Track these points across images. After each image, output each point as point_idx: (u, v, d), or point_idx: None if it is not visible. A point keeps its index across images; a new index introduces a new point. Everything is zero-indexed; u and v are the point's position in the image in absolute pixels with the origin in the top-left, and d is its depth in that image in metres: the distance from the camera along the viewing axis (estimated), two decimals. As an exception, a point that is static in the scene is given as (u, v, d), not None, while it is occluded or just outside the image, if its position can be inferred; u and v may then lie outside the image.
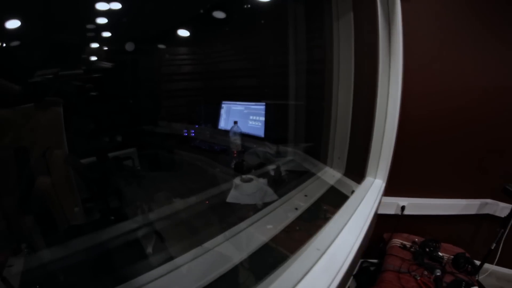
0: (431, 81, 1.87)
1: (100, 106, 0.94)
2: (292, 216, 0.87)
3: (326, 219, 0.90)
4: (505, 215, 1.93)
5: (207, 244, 0.68)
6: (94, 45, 0.98)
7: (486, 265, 2.29)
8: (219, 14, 1.12)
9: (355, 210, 0.90)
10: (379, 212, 1.88)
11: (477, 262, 2.15)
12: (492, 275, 2.40)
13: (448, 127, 2.01)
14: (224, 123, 1.27)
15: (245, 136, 1.18)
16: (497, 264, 2.31)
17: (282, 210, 0.89)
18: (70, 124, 0.79)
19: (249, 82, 1.33)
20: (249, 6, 1.23)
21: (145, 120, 1.15)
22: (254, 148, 1.08)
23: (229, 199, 0.89)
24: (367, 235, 0.89)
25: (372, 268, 1.81)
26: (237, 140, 1.04)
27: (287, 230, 0.84)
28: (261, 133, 1.21)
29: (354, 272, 2.02)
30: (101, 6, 0.92)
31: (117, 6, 0.93)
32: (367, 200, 1.05)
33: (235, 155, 1.08)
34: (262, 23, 1.26)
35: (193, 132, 1.32)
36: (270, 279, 0.59)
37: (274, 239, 0.76)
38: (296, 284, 0.55)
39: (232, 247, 0.71)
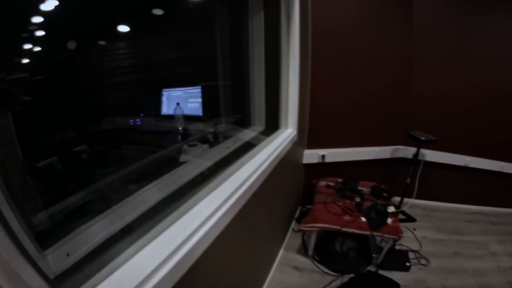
0: (339, 56, 2.30)
1: (43, 107, 1.00)
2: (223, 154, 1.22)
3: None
4: (413, 155, 2.45)
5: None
6: (29, 45, 0.99)
7: (409, 200, 2.83)
8: (157, 11, 1.32)
9: (267, 146, 1.34)
10: (305, 162, 2.33)
11: (398, 198, 2.68)
12: (416, 207, 2.95)
13: (356, 92, 2.51)
14: (166, 109, 1.42)
15: (186, 116, 1.40)
16: (416, 198, 2.87)
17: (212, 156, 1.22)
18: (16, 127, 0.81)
19: (186, 70, 1.52)
20: (183, 3, 1.46)
21: (91, 117, 1.22)
22: (196, 123, 1.33)
23: (181, 159, 1.15)
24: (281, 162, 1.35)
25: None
26: (181, 118, 1.28)
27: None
28: (199, 112, 1.45)
29: (296, 216, 2.42)
30: (36, 4, 0.98)
31: (53, 3, 1.00)
32: (279, 139, 1.49)
33: (180, 130, 1.32)
34: (194, 18, 1.50)
35: (139, 121, 1.45)
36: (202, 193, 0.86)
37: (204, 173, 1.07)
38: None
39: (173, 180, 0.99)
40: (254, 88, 1.63)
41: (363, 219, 1.84)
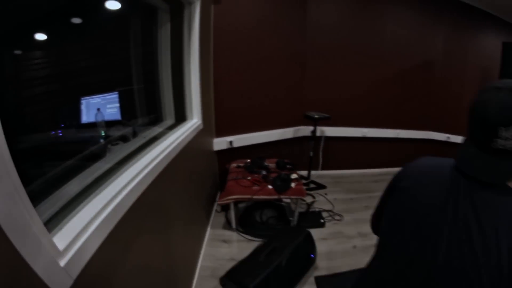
0: (243, 52, 2.66)
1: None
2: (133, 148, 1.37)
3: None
4: (311, 131, 2.99)
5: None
6: None
7: (316, 172, 3.39)
8: (75, 20, 1.37)
9: (171, 134, 1.58)
10: (216, 149, 2.68)
11: (305, 172, 3.22)
12: (325, 176, 3.51)
13: (257, 82, 2.88)
14: (86, 117, 1.45)
15: (107, 122, 1.48)
16: (323, 169, 3.46)
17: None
18: None
19: (103, 77, 1.59)
20: (100, 13, 1.51)
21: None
22: (116, 126, 1.51)
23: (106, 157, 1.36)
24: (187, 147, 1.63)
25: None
26: (102, 123, 1.45)
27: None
28: (118, 116, 1.57)
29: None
30: None
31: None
32: (182, 129, 1.73)
33: (103, 134, 1.48)
34: (110, 28, 1.59)
35: (61, 132, 1.41)
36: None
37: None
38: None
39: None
40: (164, 88, 1.87)
41: (270, 186, 2.25)
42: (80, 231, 0.63)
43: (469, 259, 0.67)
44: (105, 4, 1.45)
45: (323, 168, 3.63)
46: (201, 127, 2.04)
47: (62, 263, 0.55)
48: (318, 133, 3.28)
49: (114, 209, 0.77)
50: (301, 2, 2.96)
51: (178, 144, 1.47)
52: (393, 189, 0.91)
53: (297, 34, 2.99)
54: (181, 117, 1.99)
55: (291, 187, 2.29)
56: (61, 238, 0.59)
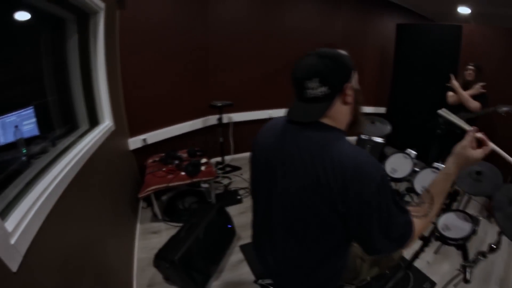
0: (151, 52, 2.80)
1: None
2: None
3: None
4: (217, 119, 3.36)
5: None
6: None
7: (230, 156, 3.79)
8: None
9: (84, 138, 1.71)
10: (132, 148, 2.81)
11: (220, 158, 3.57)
12: (239, 160, 3.92)
13: (165, 80, 3.05)
14: (3, 138, 1.37)
15: (26, 139, 1.42)
16: (235, 153, 3.89)
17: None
18: None
19: (16, 92, 1.54)
20: (7, 26, 1.45)
21: None
22: (36, 141, 1.49)
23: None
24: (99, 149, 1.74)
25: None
26: (22, 140, 1.39)
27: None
28: (36, 132, 1.55)
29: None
30: None
31: None
32: (94, 133, 1.86)
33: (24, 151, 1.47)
34: (19, 40, 1.56)
35: None
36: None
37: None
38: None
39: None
40: (76, 96, 1.94)
41: (183, 173, 2.54)
42: (20, 219, 0.84)
43: (297, 181, 0.84)
44: (12, 16, 1.44)
45: (236, 152, 4.00)
46: (113, 128, 2.16)
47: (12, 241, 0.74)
48: (226, 120, 3.59)
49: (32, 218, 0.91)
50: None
51: (89, 149, 1.58)
52: (252, 153, 1.07)
53: (200, 29, 3.20)
54: (94, 121, 2.08)
55: (201, 170, 2.61)
56: (10, 223, 0.80)
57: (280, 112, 3.77)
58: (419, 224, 0.91)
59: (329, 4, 4.05)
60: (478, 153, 0.96)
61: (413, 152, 2.13)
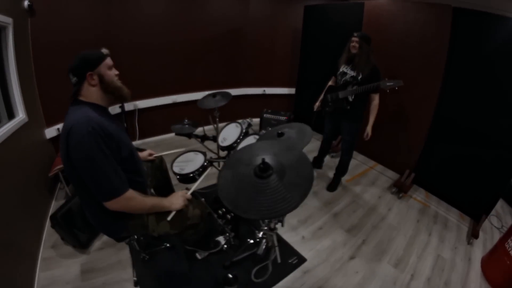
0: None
1: None
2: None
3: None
4: (119, 106, 3.81)
5: None
6: None
7: (137, 142, 4.29)
8: None
9: None
10: (49, 137, 3.08)
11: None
12: (146, 144, 4.31)
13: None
14: None
15: None
16: (140, 139, 4.32)
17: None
18: None
19: None
20: None
21: None
22: None
23: None
24: None
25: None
26: None
27: None
28: None
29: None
30: None
31: None
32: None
33: None
34: None
35: None
36: None
37: None
38: None
39: None
40: None
41: None
42: None
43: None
44: None
45: (141, 138, 4.31)
46: (26, 120, 2.52)
47: None
48: (132, 107, 3.93)
49: None
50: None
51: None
52: (105, 145, 1.27)
53: (102, 26, 3.48)
54: (11, 115, 2.47)
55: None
56: None
57: (184, 97, 4.36)
58: (135, 197, 1.44)
59: None
60: (183, 197, 1.63)
61: (246, 122, 2.33)
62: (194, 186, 1.72)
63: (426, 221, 3.03)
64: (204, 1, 4.16)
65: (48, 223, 2.46)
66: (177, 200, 1.57)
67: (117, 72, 1.45)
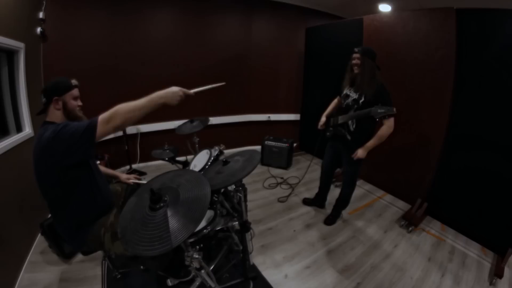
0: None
1: None
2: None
3: None
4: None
5: None
6: None
7: (138, 165, 4.43)
8: None
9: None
10: None
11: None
12: (148, 167, 4.44)
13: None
14: None
15: None
16: (140, 162, 4.44)
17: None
18: None
19: None
20: None
21: None
22: None
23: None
24: None
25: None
26: None
27: None
28: None
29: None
30: None
31: None
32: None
33: None
34: None
35: None
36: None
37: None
38: None
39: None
40: (7, 109, 2.64)
41: None
42: None
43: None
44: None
45: (142, 161, 4.39)
46: (31, 134, 2.79)
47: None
48: (134, 131, 4.10)
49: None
50: (134, 22, 3.79)
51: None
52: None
53: (108, 51, 3.77)
54: (19, 129, 2.75)
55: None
56: None
57: (180, 122, 3.54)
58: (113, 108, 1.34)
59: (242, 16, 4.60)
60: (174, 88, 1.48)
61: (216, 149, 2.30)
62: (199, 89, 1.61)
63: (440, 258, 2.64)
64: (206, 29, 4.36)
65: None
66: (174, 93, 1.48)
67: (80, 104, 1.62)
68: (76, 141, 1.31)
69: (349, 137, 2.58)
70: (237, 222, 1.61)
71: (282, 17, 4.83)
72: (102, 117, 1.31)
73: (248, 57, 4.82)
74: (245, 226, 1.81)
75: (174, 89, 1.46)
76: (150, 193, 1.16)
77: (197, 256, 1.44)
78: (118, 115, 1.32)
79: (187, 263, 1.44)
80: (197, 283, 1.81)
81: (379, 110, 2.20)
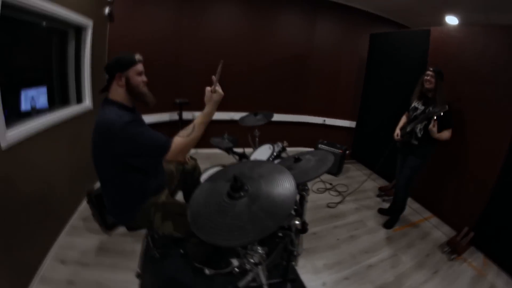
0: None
1: None
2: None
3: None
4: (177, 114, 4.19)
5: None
6: None
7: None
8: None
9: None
10: None
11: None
12: (197, 154, 4.43)
13: None
14: (24, 105, 2.16)
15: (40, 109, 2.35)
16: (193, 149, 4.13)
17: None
18: None
19: (37, 75, 2.40)
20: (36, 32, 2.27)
21: None
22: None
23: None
24: None
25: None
26: (35, 108, 2.37)
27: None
28: (46, 105, 2.44)
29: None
30: None
31: None
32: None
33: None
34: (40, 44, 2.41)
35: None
36: None
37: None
38: None
39: None
40: (70, 83, 2.90)
41: None
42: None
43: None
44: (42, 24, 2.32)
45: (195, 147, 4.21)
46: (90, 108, 3.03)
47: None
48: (190, 117, 4.19)
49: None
50: (196, 13, 3.98)
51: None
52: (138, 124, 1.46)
53: (173, 40, 3.98)
54: (80, 100, 3.00)
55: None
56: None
57: (241, 115, 3.63)
58: (181, 140, 1.39)
59: (306, 16, 4.70)
60: (217, 93, 1.48)
61: (279, 145, 2.31)
62: (216, 79, 1.57)
63: (477, 294, 2.39)
64: (270, 26, 4.47)
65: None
66: (215, 102, 1.54)
67: (145, 79, 1.55)
68: (148, 151, 1.43)
69: (415, 142, 2.78)
70: (299, 222, 1.66)
71: (346, 21, 4.80)
72: (173, 149, 1.40)
73: (310, 58, 4.87)
74: (304, 227, 1.84)
75: (215, 97, 1.51)
76: (232, 179, 1.12)
77: (261, 251, 1.44)
78: (184, 152, 1.46)
79: (248, 256, 1.45)
80: (249, 278, 1.77)
81: (434, 110, 2.50)
